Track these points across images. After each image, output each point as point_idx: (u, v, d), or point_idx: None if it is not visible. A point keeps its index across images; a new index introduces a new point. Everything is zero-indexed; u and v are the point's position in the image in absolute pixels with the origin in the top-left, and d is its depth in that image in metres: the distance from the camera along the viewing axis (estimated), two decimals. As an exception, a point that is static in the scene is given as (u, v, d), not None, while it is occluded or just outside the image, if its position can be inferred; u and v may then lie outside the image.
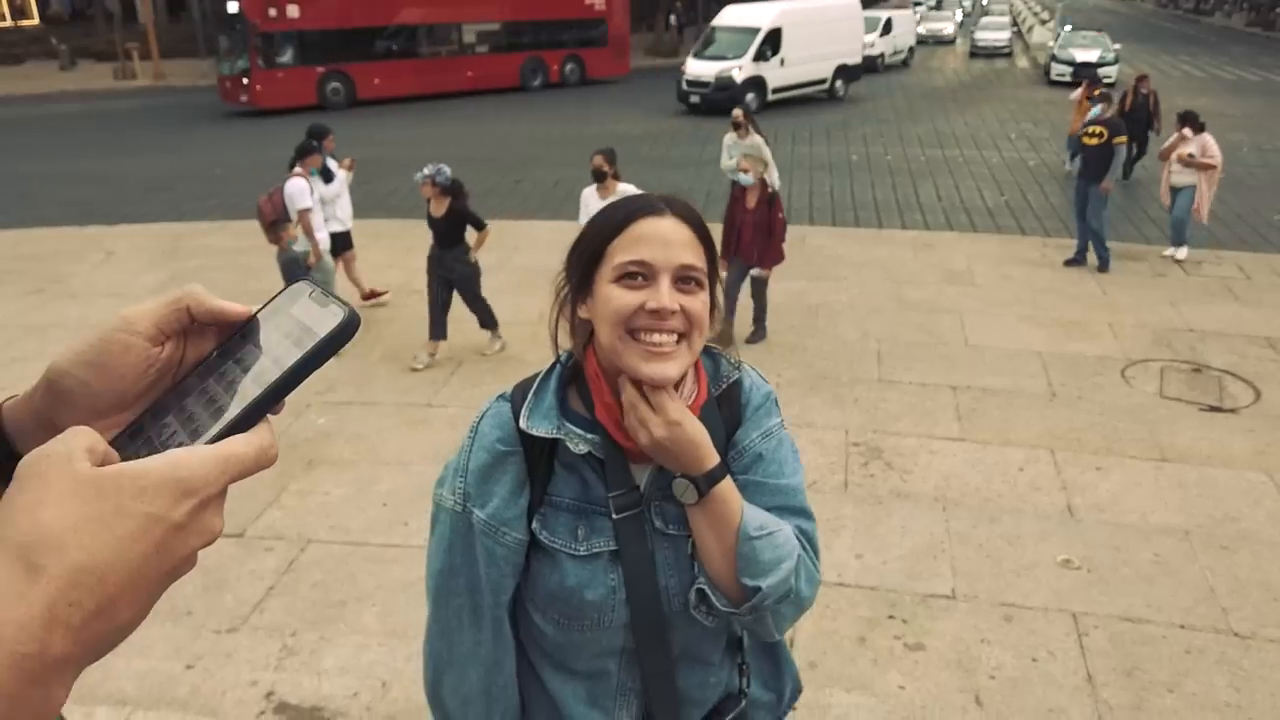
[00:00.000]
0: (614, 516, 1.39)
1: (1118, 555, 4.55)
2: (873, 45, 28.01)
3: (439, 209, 6.88)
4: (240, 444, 0.52)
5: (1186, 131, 9.55)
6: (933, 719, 3.54)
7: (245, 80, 22.19)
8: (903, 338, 7.44)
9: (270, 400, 0.54)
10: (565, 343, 1.46)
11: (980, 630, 4.03)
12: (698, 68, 22.02)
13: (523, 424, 1.40)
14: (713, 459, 1.34)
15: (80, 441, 0.49)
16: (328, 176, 7.82)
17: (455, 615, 1.46)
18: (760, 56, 21.80)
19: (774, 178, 8.24)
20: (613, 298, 1.31)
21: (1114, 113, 12.03)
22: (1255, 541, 4.66)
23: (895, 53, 30.36)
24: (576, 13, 26.99)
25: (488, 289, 8.59)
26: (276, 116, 21.51)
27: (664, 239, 1.32)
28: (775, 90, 22.23)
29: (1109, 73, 25.15)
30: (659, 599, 1.42)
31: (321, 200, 7.56)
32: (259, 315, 0.58)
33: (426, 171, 6.80)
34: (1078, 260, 9.45)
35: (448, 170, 6.88)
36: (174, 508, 0.49)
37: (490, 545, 1.41)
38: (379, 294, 8.48)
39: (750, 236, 7.27)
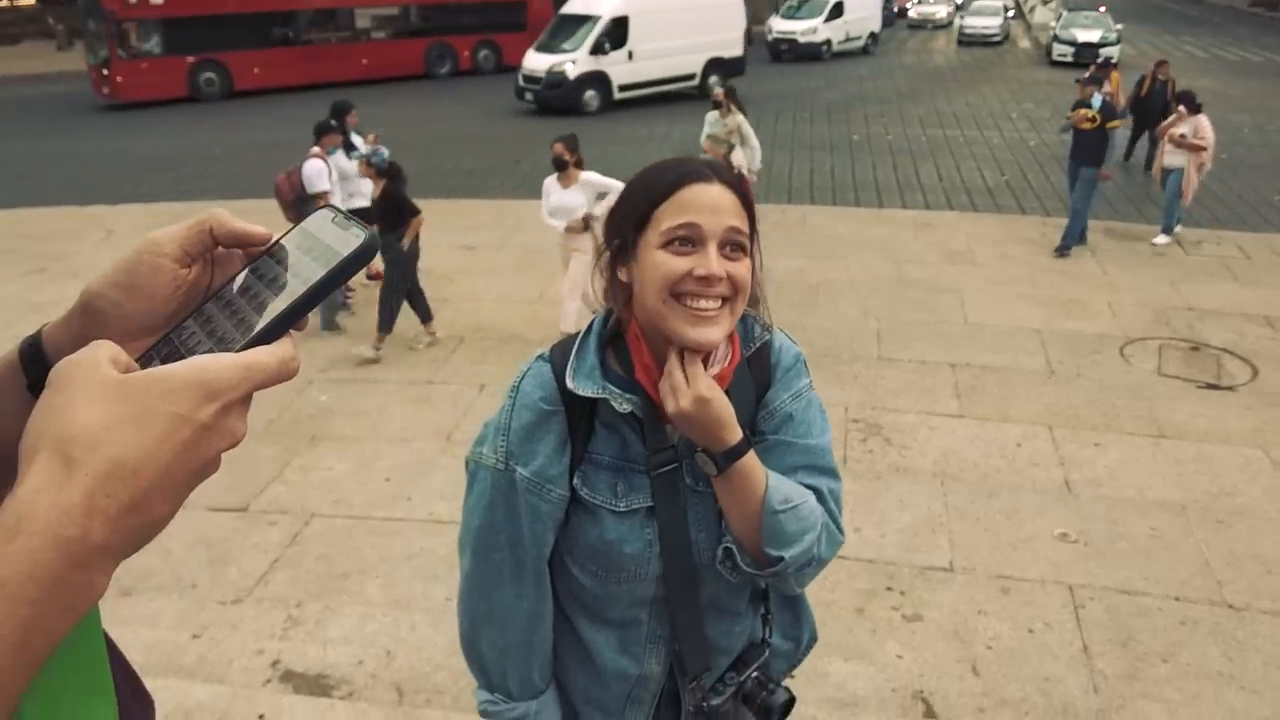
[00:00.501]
0: (651, 474, 1.43)
1: (1114, 529, 4.59)
2: (814, 31, 26.51)
3: (376, 192, 6.71)
4: (264, 354, 0.55)
5: (1182, 109, 9.49)
6: (930, 688, 3.59)
7: (105, 71, 20.41)
8: (902, 316, 7.46)
9: (296, 313, 0.57)
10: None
11: (977, 602, 4.07)
12: (534, 61, 19.22)
13: (569, 384, 1.41)
14: (734, 436, 1.35)
15: (105, 351, 0.53)
16: (351, 151, 7.82)
17: (495, 570, 1.49)
18: (598, 49, 18.93)
19: (755, 160, 8.11)
20: (660, 263, 1.32)
21: (1129, 98, 11.94)
22: (1250, 516, 4.70)
23: (848, 39, 27.82)
24: None
25: (487, 269, 8.62)
26: (273, 97, 21.45)
27: (712, 204, 1.33)
28: (623, 88, 19.45)
29: (1111, 53, 25.07)
30: (690, 552, 1.47)
31: (343, 176, 7.55)
32: (283, 239, 0.60)
33: (363, 152, 6.60)
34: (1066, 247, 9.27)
35: (385, 152, 6.73)
36: (199, 409, 0.51)
37: (534, 502, 1.44)
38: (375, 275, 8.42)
39: None
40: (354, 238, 0.58)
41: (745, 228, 1.37)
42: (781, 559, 1.39)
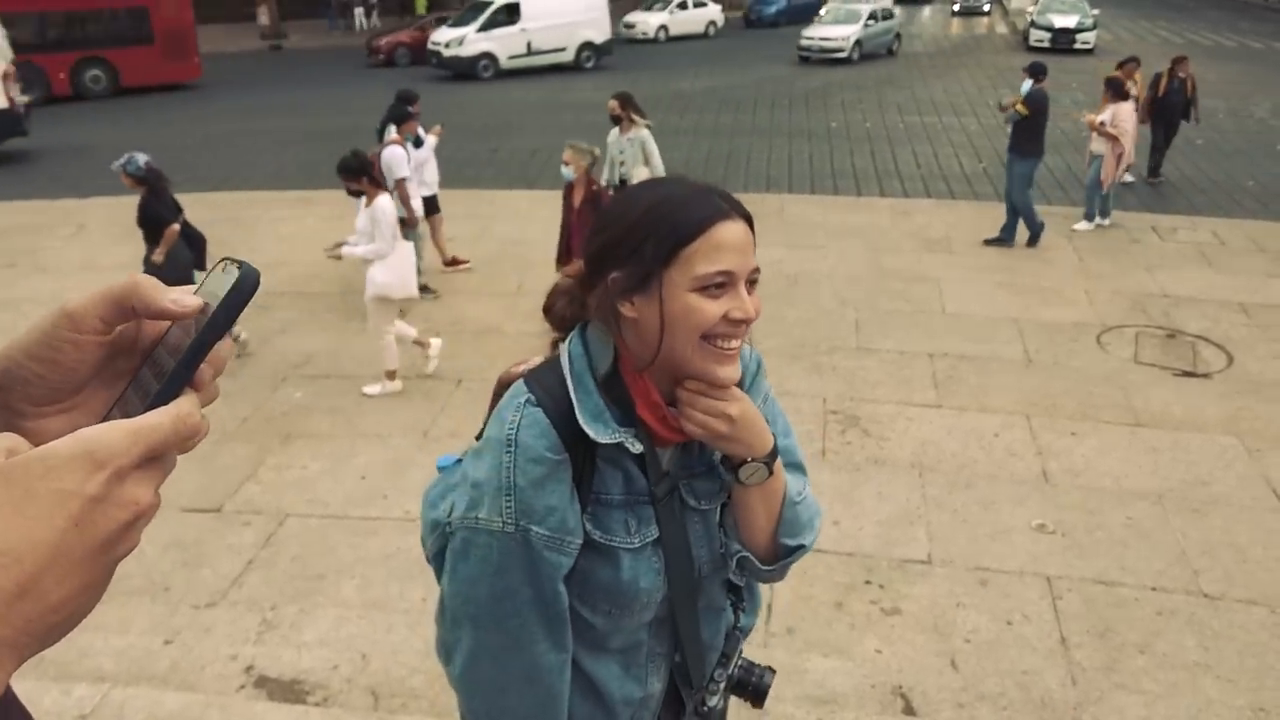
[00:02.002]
0: (657, 504, 1.42)
1: (1092, 519, 4.60)
2: (461, 42, 22.74)
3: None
4: (155, 415, 0.52)
5: (1107, 94, 9.45)
6: (909, 682, 3.58)
7: None
8: (881, 306, 7.46)
9: (183, 371, 0.55)
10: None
11: (956, 594, 4.07)
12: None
13: (589, 432, 1.34)
14: (771, 436, 1.39)
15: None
16: (417, 142, 7.82)
17: (515, 635, 1.40)
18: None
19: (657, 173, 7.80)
20: (696, 309, 1.28)
21: (1145, 101, 11.10)
22: (1226, 505, 4.72)
23: (531, 53, 23.83)
24: (94, 1, 20.41)
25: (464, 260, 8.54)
26: (252, 90, 21.23)
27: (741, 245, 1.31)
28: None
29: (1087, 38, 25.14)
30: (692, 570, 1.48)
31: (415, 164, 7.57)
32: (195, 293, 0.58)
33: (120, 161, 6.25)
34: (1003, 239, 9.06)
35: (140, 158, 6.25)
36: (85, 481, 0.48)
37: (555, 558, 1.37)
38: (460, 261, 8.40)
39: (578, 242, 6.39)
40: (230, 278, 0.56)
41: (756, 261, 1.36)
42: (801, 546, 1.46)
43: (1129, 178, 11.03)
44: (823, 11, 27.02)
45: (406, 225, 7.26)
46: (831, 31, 24.45)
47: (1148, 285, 7.93)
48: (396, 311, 6.04)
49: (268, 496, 4.86)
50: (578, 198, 6.40)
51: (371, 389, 6.02)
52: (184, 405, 0.53)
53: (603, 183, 7.00)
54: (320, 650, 3.74)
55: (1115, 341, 6.78)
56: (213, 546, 4.43)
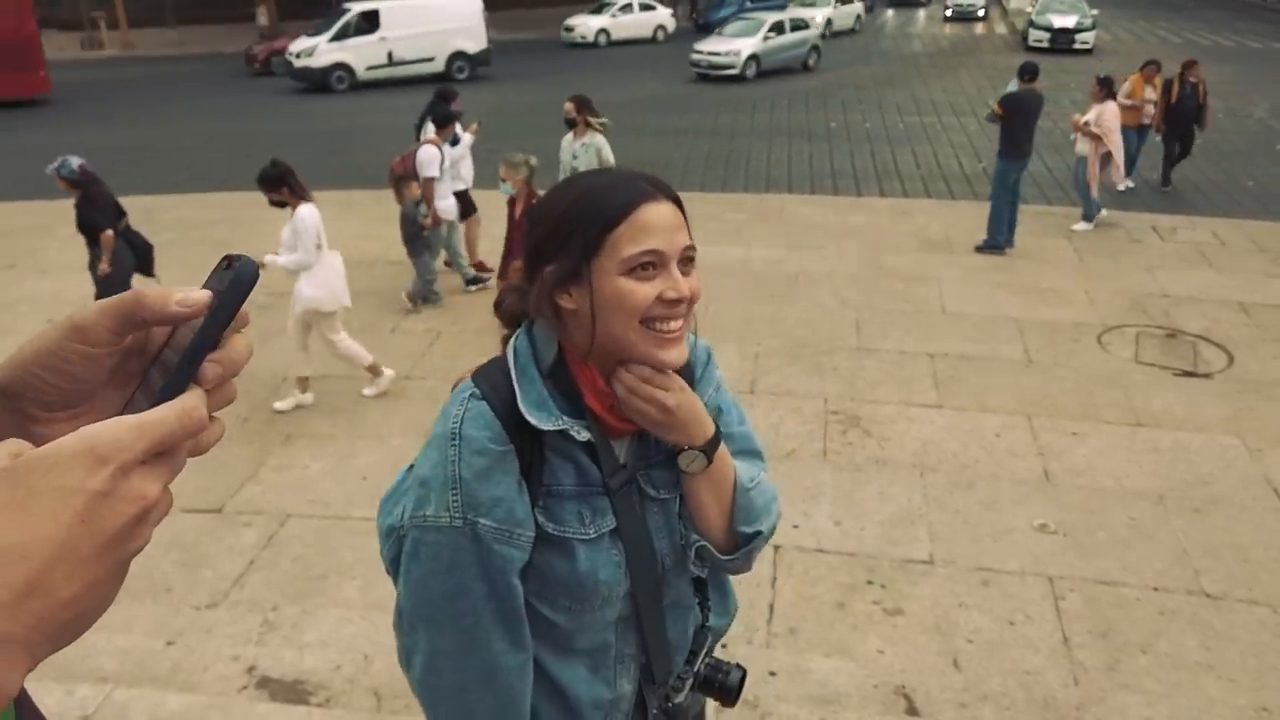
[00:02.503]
0: (613, 495, 1.41)
1: (1093, 519, 4.60)
2: (311, 50, 21.62)
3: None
4: (161, 409, 0.52)
5: (1095, 91, 9.39)
6: (911, 682, 3.58)
7: None
8: (881, 306, 7.46)
9: (188, 365, 0.55)
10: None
11: (958, 594, 4.07)
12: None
13: (530, 419, 1.34)
14: (712, 423, 1.41)
15: (3, 449, 0.50)
16: (454, 140, 7.84)
17: (470, 634, 1.38)
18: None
19: None
20: (629, 292, 1.29)
21: (1157, 109, 10.85)
22: (1227, 504, 4.72)
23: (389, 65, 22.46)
24: None
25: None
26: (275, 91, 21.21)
27: (668, 224, 1.32)
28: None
29: (1086, 39, 25.15)
30: (654, 562, 1.47)
31: (451, 162, 7.58)
32: None
33: (53, 165, 6.17)
34: (992, 246, 8.84)
35: (74, 162, 6.15)
36: (89, 477, 0.48)
37: (505, 550, 1.36)
38: (487, 269, 8.25)
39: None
40: (230, 272, 0.57)
41: (692, 241, 1.36)
42: (758, 533, 1.47)
43: (1129, 183, 10.94)
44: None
45: (427, 225, 7.28)
46: (723, 45, 21.86)
47: (1148, 285, 7.93)
48: (338, 322, 5.82)
49: (269, 497, 4.86)
50: (519, 210, 6.31)
51: (369, 390, 6.00)
52: (189, 400, 0.54)
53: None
54: (322, 651, 3.74)
55: (1116, 341, 6.78)
56: (214, 547, 4.43)
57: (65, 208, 10.87)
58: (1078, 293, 7.74)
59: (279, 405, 5.78)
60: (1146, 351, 6.63)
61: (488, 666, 1.40)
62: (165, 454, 0.52)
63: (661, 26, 30.44)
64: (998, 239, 8.78)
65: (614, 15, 29.62)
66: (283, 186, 5.54)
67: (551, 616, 1.44)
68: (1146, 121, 11.01)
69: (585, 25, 29.18)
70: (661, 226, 1.31)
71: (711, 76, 21.41)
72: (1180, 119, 11.00)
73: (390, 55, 21.93)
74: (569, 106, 7.24)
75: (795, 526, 4.55)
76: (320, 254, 5.61)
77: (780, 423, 5.57)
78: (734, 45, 21.58)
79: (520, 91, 20.08)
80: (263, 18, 31.77)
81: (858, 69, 22.74)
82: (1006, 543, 4.43)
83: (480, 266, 8.29)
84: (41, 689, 3.35)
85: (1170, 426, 5.54)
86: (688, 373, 1.52)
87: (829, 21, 29.98)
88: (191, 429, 0.53)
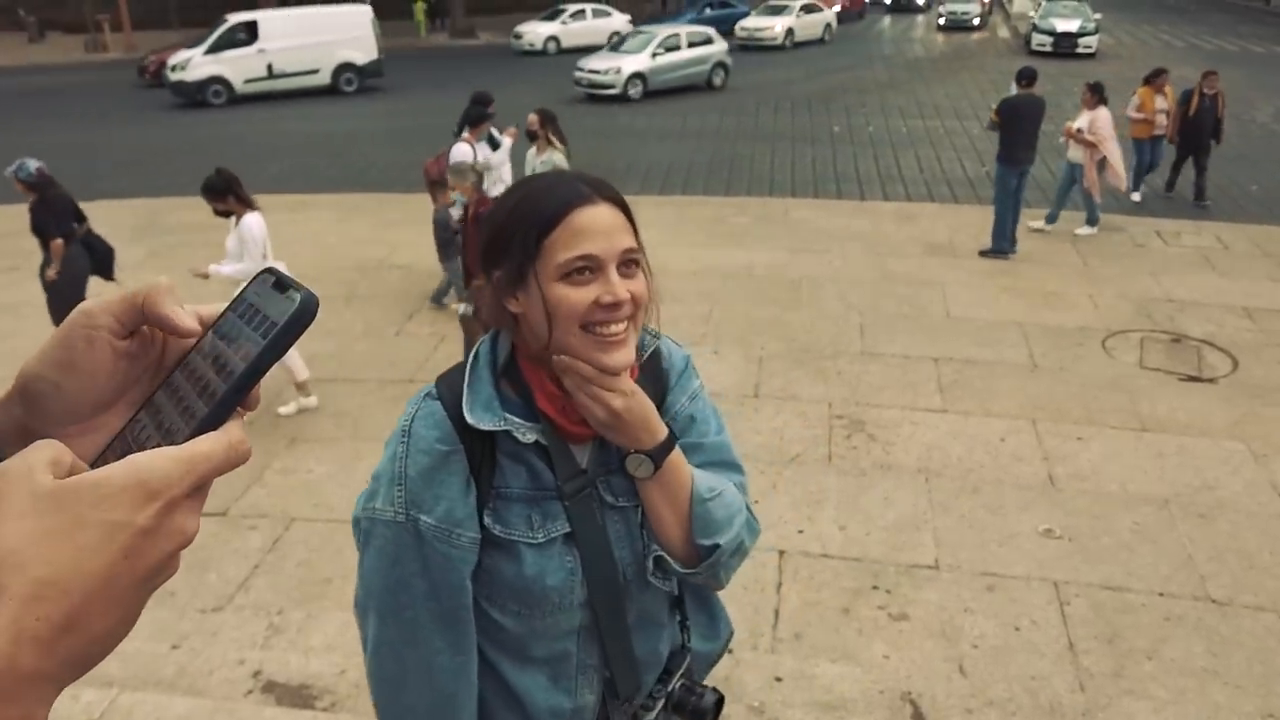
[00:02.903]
0: (565, 501, 1.39)
1: (1098, 524, 4.60)
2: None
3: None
4: (207, 443, 0.51)
5: (1087, 98, 9.28)
6: (917, 688, 3.58)
7: None
8: (885, 310, 7.46)
9: (235, 395, 0.53)
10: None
11: (963, 600, 4.07)
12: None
13: (469, 419, 1.35)
14: (663, 429, 1.37)
15: (43, 455, 0.48)
16: (494, 144, 7.84)
17: (408, 630, 1.41)
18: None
19: None
20: (565, 299, 1.28)
21: (1173, 120, 10.55)
22: (1232, 510, 4.72)
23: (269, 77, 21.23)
24: None
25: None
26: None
27: (604, 228, 1.30)
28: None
29: (1089, 43, 25.15)
30: (615, 572, 1.44)
31: (488, 166, 7.56)
32: (228, 311, 0.57)
33: (11, 168, 6.14)
34: (997, 251, 8.83)
35: (31, 164, 6.12)
36: (137, 512, 0.47)
37: (445, 549, 1.37)
38: None
39: (471, 259, 6.12)
40: (289, 301, 0.54)
41: (636, 243, 1.34)
42: (717, 546, 1.40)
43: (1136, 197, 10.83)
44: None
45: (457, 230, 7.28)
46: (605, 63, 19.79)
47: (1152, 290, 7.92)
48: None
49: (274, 500, 4.86)
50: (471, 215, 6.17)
51: (284, 409, 5.80)
52: (235, 433, 0.52)
53: None
54: (327, 655, 3.74)
55: (1120, 346, 6.78)
56: (219, 551, 4.43)
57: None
58: (1082, 297, 7.74)
59: (282, 410, 5.77)
60: (1151, 356, 6.62)
61: (424, 663, 1.42)
62: (203, 486, 0.51)
63: (616, 33, 27.94)
64: (1001, 244, 8.78)
65: (565, 22, 28.44)
66: (228, 195, 5.53)
67: (502, 621, 1.44)
68: (1159, 133, 10.77)
69: (534, 33, 27.99)
70: (596, 230, 1.30)
71: (597, 96, 19.45)
72: (1197, 131, 10.63)
73: (270, 68, 20.77)
74: (532, 119, 7.15)
75: (800, 532, 4.54)
76: (267, 263, 5.51)
77: (784, 427, 5.57)
78: (617, 63, 19.45)
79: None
80: (266, 20, 31.80)
81: (860, 72, 22.72)
82: (1012, 548, 4.43)
83: None
84: (47, 692, 3.34)
85: (1175, 431, 5.54)
86: (660, 380, 1.52)
87: (789, 32, 28.32)
88: (236, 463, 0.52)
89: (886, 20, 38.81)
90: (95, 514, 0.46)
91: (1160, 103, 10.68)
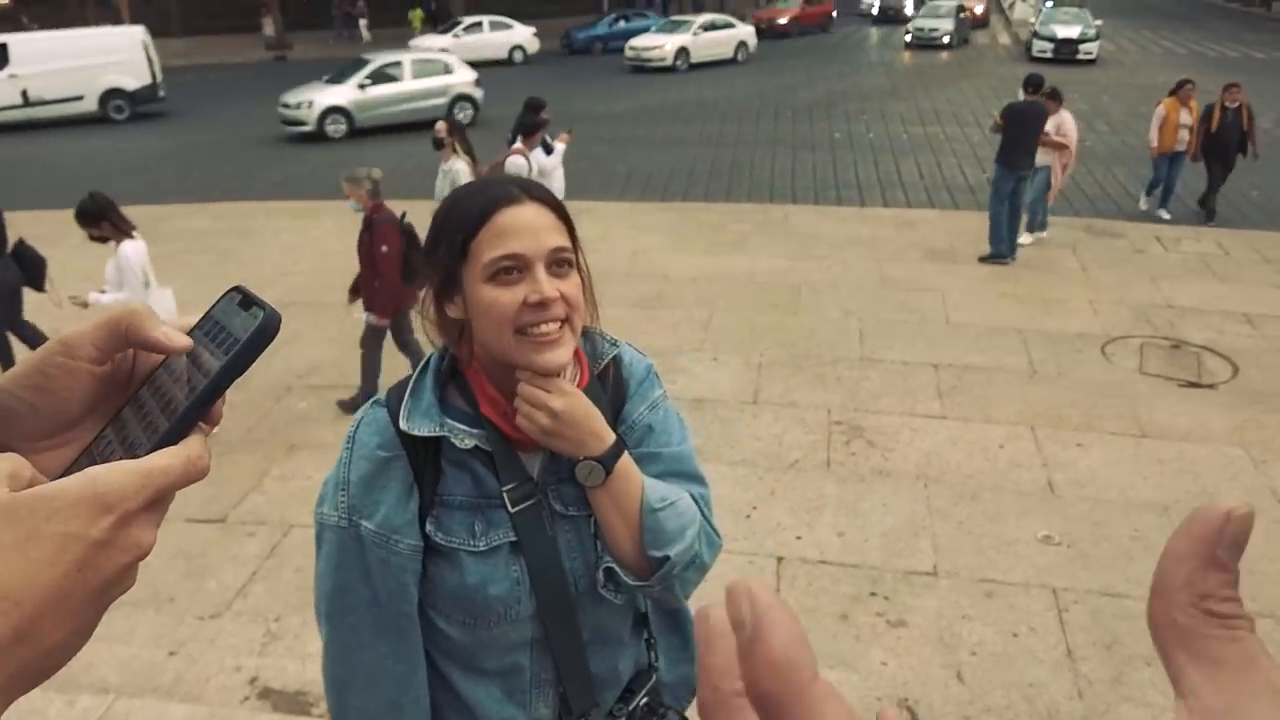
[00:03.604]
0: (511, 509, 1.38)
1: (1098, 531, 4.59)
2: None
3: None
4: (165, 457, 0.51)
5: (1050, 104, 9.06)
6: (916, 695, 3.57)
7: None
8: (884, 316, 7.46)
9: (196, 410, 0.53)
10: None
11: (961, 606, 4.06)
12: None
13: (403, 425, 1.36)
14: (610, 436, 1.35)
15: (1, 468, 0.49)
16: (547, 149, 7.84)
17: (353, 633, 1.41)
18: None
19: None
20: (494, 301, 1.28)
21: (1195, 136, 10.05)
22: (1232, 516, 4.70)
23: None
24: None
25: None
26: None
27: (530, 227, 1.30)
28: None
29: (1090, 49, 25.19)
30: (565, 583, 1.41)
31: (541, 172, 7.56)
32: (193, 330, 0.57)
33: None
34: (995, 256, 8.81)
35: None
36: (91, 525, 0.47)
37: (384, 555, 1.37)
38: None
39: (363, 276, 5.90)
40: (252, 318, 0.55)
41: (568, 242, 1.33)
42: (666, 558, 1.36)
43: (1165, 214, 10.47)
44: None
45: None
46: (300, 95, 16.80)
47: (1152, 296, 7.92)
48: None
49: (272, 507, 4.86)
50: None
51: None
52: (194, 447, 0.53)
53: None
54: (324, 662, 3.73)
55: (1120, 352, 6.77)
56: (217, 557, 4.43)
57: (66, 218, 10.94)
58: (1081, 303, 7.73)
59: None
60: (1151, 362, 6.62)
61: (369, 669, 1.41)
62: (161, 500, 0.51)
63: (519, 47, 27.53)
64: (1000, 249, 8.77)
65: (458, 35, 26.80)
66: (103, 221, 5.36)
67: (449, 631, 1.43)
68: (1181, 148, 10.27)
69: (425, 47, 25.52)
70: (521, 229, 1.29)
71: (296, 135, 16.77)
72: (1222, 146, 10.13)
73: (25, 94, 18.58)
74: (440, 126, 6.97)
75: (798, 538, 4.54)
76: (149, 291, 5.33)
77: (784, 433, 5.57)
78: (311, 96, 16.74)
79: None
80: (269, 28, 31.92)
81: (860, 79, 22.74)
82: (1010, 554, 4.42)
83: None
84: (43, 699, 3.35)
85: (1175, 438, 5.53)
86: (618, 386, 1.50)
87: (682, 51, 25.47)
88: (194, 477, 0.52)
89: (864, 32, 36.49)
90: (49, 526, 0.46)
91: (1185, 117, 10.17)
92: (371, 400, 1.45)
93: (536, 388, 1.31)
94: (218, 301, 0.57)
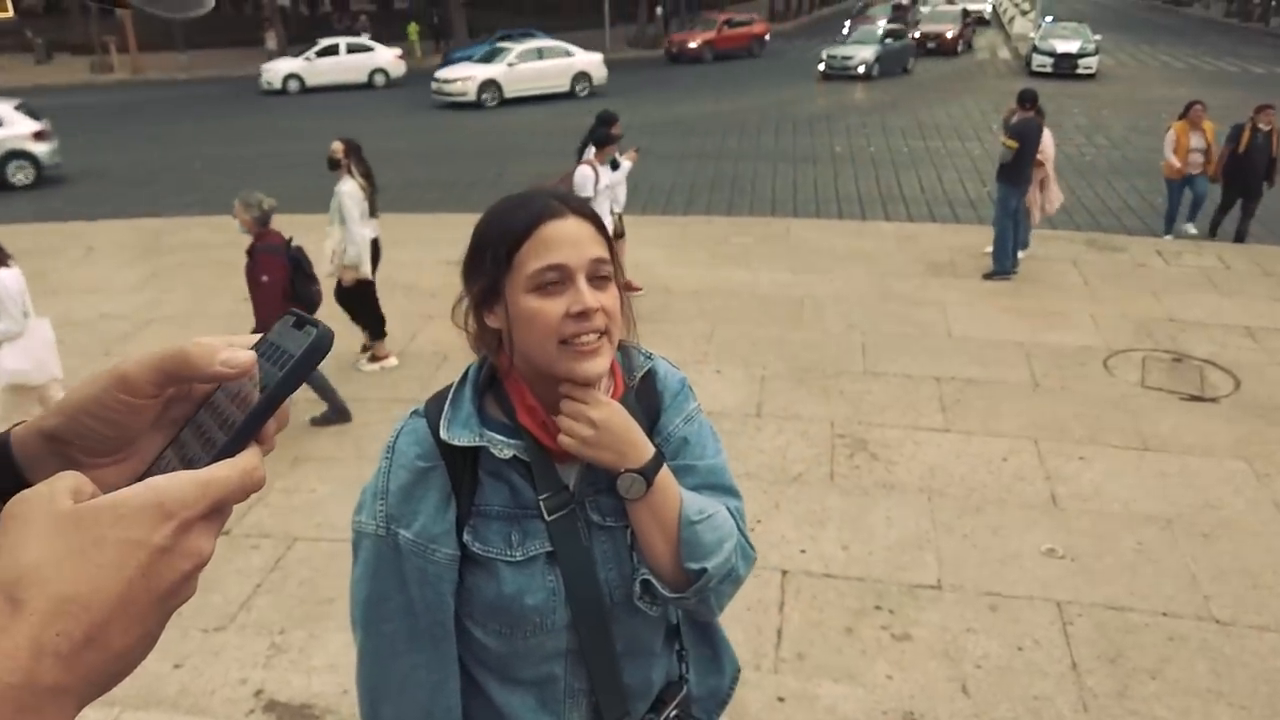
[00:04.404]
0: (547, 518, 1.39)
1: (1101, 544, 4.59)
2: None
3: None
4: (223, 468, 0.53)
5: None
6: (920, 708, 3.57)
7: None
8: (887, 329, 7.47)
9: (253, 422, 0.55)
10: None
11: (966, 620, 4.06)
12: None
13: (443, 435, 1.37)
14: (650, 448, 1.37)
15: (64, 483, 0.51)
16: (614, 164, 7.89)
17: (388, 642, 1.42)
18: None
19: (351, 251, 6.46)
20: (536, 311, 1.30)
21: (1220, 158, 9.68)
22: (1236, 529, 4.71)
23: None
24: None
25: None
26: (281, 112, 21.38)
27: (571, 239, 1.32)
28: None
29: (1089, 64, 25.30)
30: (600, 594, 1.42)
31: (606, 186, 7.61)
32: (254, 347, 0.59)
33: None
34: (1000, 273, 8.76)
35: None
36: (153, 532, 0.49)
37: (421, 564, 1.38)
38: (634, 288, 8.15)
39: (253, 294, 5.78)
40: (305, 336, 0.57)
41: (607, 254, 1.36)
42: (704, 571, 1.37)
43: (1169, 239, 10.06)
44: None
45: None
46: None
47: (1154, 309, 7.94)
48: (36, 400, 5.24)
49: (276, 520, 4.87)
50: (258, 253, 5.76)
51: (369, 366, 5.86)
52: (250, 459, 0.54)
53: (351, 259, 6.47)
54: (329, 675, 3.74)
55: (1122, 366, 6.79)
56: (222, 570, 4.43)
57: (75, 229, 10.99)
58: (1083, 317, 7.75)
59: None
60: (1153, 376, 6.63)
61: (400, 677, 1.43)
62: (219, 509, 0.53)
63: (381, 70, 25.81)
64: (1005, 265, 8.80)
65: (310, 59, 25.51)
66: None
67: (485, 640, 1.44)
68: (1195, 172, 9.88)
69: (273, 70, 24.60)
70: (564, 241, 1.32)
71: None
72: (1246, 174, 9.64)
73: None
74: (336, 146, 6.68)
75: (802, 551, 4.54)
76: (28, 321, 5.13)
77: (787, 446, 5.57)
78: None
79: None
80: (271, 42, 32.07)
81: (861, 94, 22.82)
82: (1014, 567, 4.42)
83: (627, 286, 8.17)
84: (49, 712, 3.34)
85: (1178, 451, 5.53)
86: (652, 399, 1.51)
87: (488, 85, 21.92)
88: (251, 489, 0.54)
89: (811, 54, 30.15)
90: (113, 533, 0.48)
91: (1197, 140, 9.77)
92: (412, 411, 1.46)
93: (575, 399, 1.33)
94: (274, 326, 0.60)
